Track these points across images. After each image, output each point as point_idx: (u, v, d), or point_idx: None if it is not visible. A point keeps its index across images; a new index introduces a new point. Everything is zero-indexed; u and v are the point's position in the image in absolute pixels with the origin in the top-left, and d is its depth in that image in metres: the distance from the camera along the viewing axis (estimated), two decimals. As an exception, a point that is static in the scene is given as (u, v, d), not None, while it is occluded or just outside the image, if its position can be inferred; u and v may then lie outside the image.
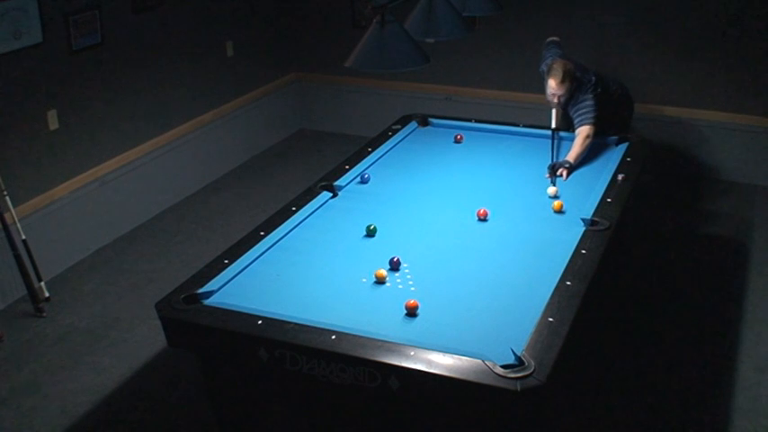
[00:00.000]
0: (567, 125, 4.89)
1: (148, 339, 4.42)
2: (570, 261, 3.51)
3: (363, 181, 4.44)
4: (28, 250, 4.65)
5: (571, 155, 4.56)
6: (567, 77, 4.70)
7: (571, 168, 4.51)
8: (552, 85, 4.72)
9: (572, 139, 4.73)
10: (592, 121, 4.68)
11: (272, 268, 3.60)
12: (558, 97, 4.74)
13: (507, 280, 3.48)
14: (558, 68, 4.71)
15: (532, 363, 2.83)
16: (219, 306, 3.24)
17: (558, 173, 4.45)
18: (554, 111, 4.86)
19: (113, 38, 5.28)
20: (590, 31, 6.14)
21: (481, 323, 3.18)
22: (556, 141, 4.77)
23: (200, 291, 3.33)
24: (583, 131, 4.66)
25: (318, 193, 4.23)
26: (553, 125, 4.84)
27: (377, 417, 3.17)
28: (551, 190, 4.24)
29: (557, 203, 4.07)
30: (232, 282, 3.47)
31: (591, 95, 4.76)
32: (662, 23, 5.99)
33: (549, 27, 6.12)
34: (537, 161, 4.66)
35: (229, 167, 6.55)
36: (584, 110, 4.71)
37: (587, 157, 4.66)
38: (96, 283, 5.00)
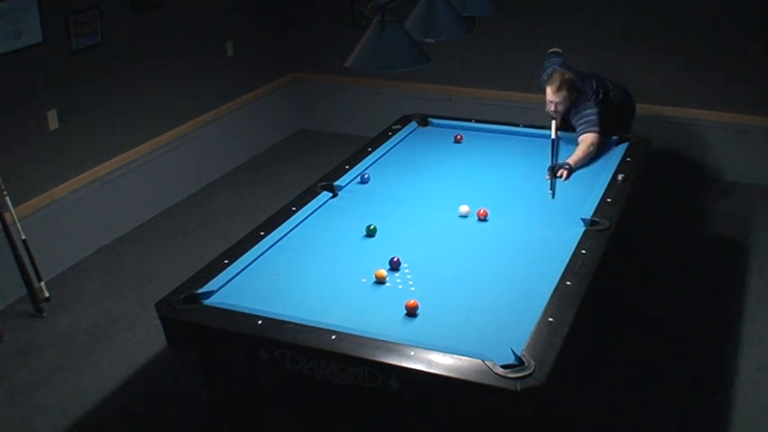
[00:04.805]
0: (568, 127, 4.88)
1: (148, 339, 4.41)
2: (570, 261, 3.51)
3: (363, 181, 4.44)
4: (28, 250, 4.65)
5: (572, 157, 4.55)
6: (564, 86, 4.70)
7: (571, 170, 4.50)
8: (549, 92, 4.74)
9: (572, 141, 4.73)
10: (596, 129, 4.67)
11: (272, 268, 3.60)
12: (556, 105, 4.75)
13: (507, 280, 3.48)
14: (555, 77, 4.73)
15: (532, 363, 2.83)
16: (219, 306, 3.24)
17: (559, 174, 4.45)
18: (553, 122, 4.85)
19: (113, 38, 5.28)
20: (590, 32, 6.14)
21: (481, 323, 3.18)
22: (556, 147, 4.76)
23: (200, 291, 3.33)
24: (587, 139, 4.65)
25: (318, 193, 4.23)
26: (553, 136, 4.83)
27: (377, 417, 3.17)
28: (463, 209, 4.05)
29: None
30: (232, 282, 3.47)
31: (593, 103, 4.75)
32: (662, 24, 5.98)
33: (549, 27, 6.13)
34: (537, 161, 4.65)
35: (229, 167, 6.55)
36: (587, 118, 4.71)
37: (588, 157, 4.66)
38: (96, 283, 4.99)
